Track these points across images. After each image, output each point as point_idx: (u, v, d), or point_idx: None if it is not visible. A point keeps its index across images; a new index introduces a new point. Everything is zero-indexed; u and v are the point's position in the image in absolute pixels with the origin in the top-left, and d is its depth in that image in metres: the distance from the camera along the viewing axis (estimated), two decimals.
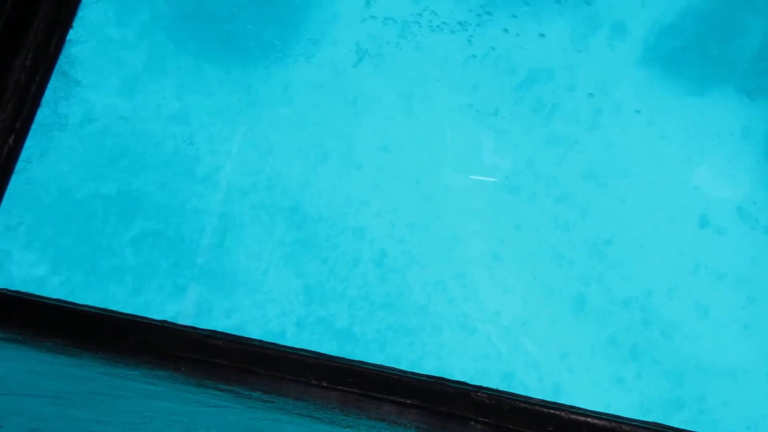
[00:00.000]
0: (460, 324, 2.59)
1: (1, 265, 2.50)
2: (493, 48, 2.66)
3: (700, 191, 2.50)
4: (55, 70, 2.49)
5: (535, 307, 2.58)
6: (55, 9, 2.43)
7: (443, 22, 2.72)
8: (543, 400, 2.29)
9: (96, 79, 2.61)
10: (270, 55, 2.70)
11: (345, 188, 2.70)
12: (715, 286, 2.47)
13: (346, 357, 2.40)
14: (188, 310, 2.50)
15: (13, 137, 2.46)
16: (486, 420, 2.20)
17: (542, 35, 2.63)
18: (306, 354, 2.36)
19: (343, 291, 2.63)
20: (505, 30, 2.66)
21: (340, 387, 2.28)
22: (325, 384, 2.29)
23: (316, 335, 2.57)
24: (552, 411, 2.25)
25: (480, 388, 2.27)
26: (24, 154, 2.54)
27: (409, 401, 2.27)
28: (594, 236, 2.59)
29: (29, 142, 2.55)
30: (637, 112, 2.50)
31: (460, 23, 2.71)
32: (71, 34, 2.59)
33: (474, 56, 2.68)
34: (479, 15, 2.69)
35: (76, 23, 2.53)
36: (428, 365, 2.50)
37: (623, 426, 2.21)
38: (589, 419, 2.23)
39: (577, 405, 2.21)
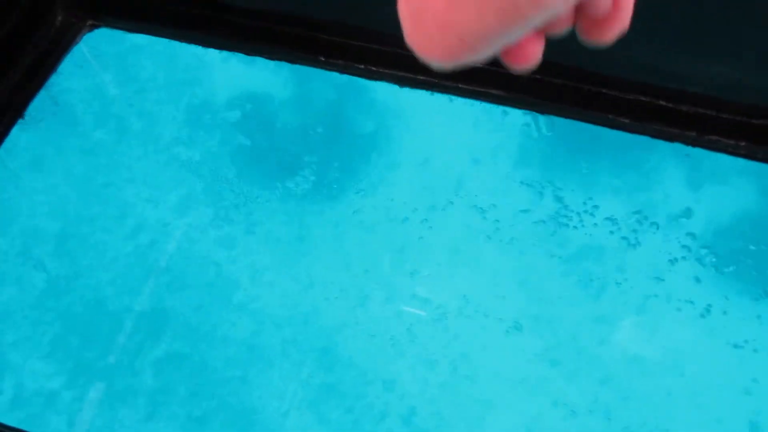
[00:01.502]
0: None
1: (15, 373, 2.39)
2: (543, 220, 2.70)
3: (752, 395, 2.40)
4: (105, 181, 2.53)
5: None
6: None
7: (498, 186, 2.78)
8: None
9: (154, 194, 2.64)
10: (326, 192, 2.74)
11: (381, 336, 2.62)
12: None
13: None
14: None
15: None
16: None
17: (595, 213, 2.67)
18: None
19: None
20: (558, 203, 2.71)
21: None
22: None
23: None
24: None
25: None
26: None
27: None
28: (636, 426, 2.46)
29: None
30: (690, 302, 2.47)
31: (514, 190, 2.77)
32: (136, 149, 2.67)
33: (524, 223, 2.71)
34: (534, 186, 2.76)
35: (149, 139, 2.61)
36: None
37: None
38: None
39: None
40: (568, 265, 2.64)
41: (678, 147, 2.66)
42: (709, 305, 2.48)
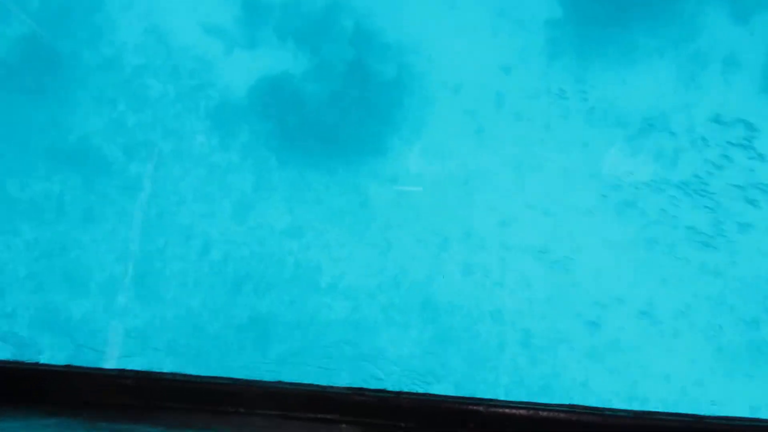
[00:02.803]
0: (629, 394, 2.41)
1: None
2: (595, 107, 2.59)
3: None
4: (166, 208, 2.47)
5: (707, 363, 2.40)
6: None
7: (539, 87, 2.66)
8: (462, 397, 2.32)
9: (208, 208, 2.58)
10: (372, 151, 2.65)
11: (473, 272, 2.59)
12: None
13: (263, 379, 2.29)
14: None
15: None
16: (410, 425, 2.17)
17: (646, 81, 2.55)
18: (221, 381, 2.24)
19: (495, 379, 2.48)
20: (605, 85, 2.59)
21: (259, 411, 2.17)
22: (242, 410, 2.18)
23: None
24: (471, 407, 2.25)
25: (400, 393, 2.24)
26: None
27: (329, 416, 2.18)
28: (751, 276, 2.43)
29: None
30: None
31: (556, 84, 2.65)
32: (175, 170, 2.59)
33: (577, 116, 2.61)
34: (575, 76, 2.63)
35: (183, 156, 2.53)
36: None
37: (540, 412, 2.22)
38: (507, 410, 2.24)
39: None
40: (636, 141, 2.55)
41: None
42: None
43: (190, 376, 2.36)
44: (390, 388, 2.40)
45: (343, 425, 2.20)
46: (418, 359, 2.53)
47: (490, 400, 2.28)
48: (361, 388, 2.25)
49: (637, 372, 2.43)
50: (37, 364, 2.32)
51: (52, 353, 2.46)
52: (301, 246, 2.59)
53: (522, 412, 2.27)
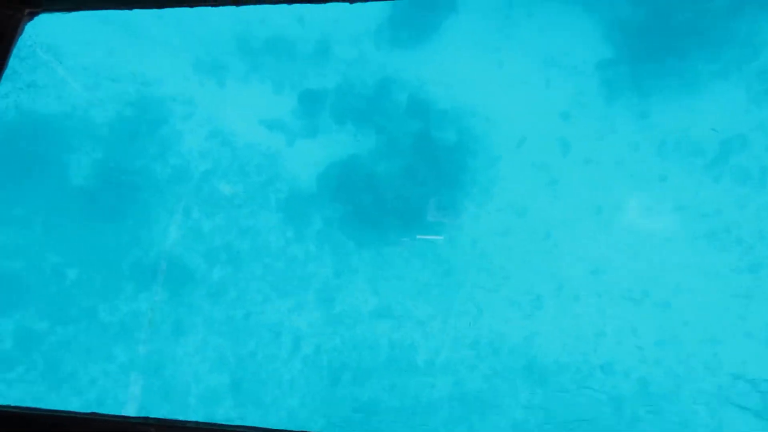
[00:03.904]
0: None
1: None
2: (667, 139, 2.54)
3: None
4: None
5: None
6: None
7: (602, 128, 2.63)
8: None
9: (293, 301, 2.53)
10: (448, 219, 2.61)
11: (572, 326, 2.49)
12: None
13: (286, 428, 2.15)
14: None
15: None
16: None
17: (717, 108, 2.51)
18: (240, 431, 2.11)
19: None
20: (673, 116, 2.55)
21: None
22: None
23: None
24: None
25: None
26: None
27: None
28: None
29: None
30: None
31: (620, 125, 2.62)
32: (256, 269, 2.56)
33: (648, 147, 2.56)
34: (637, 112, 2.60)
35: (261, 253, 2.51)
36: None
37: None
38: None
39: None
40: (716, 168, 2.49)
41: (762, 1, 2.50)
42: None
43: (213, 424, 2.26)
44: None
45: None
46: (533, 426, 2.40)
47: None
48: None
49: None
50: (61, 411, 2.25)
51: None
52: (392, 326, 2.52)
53: None
